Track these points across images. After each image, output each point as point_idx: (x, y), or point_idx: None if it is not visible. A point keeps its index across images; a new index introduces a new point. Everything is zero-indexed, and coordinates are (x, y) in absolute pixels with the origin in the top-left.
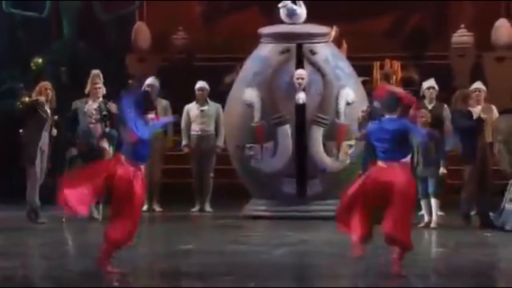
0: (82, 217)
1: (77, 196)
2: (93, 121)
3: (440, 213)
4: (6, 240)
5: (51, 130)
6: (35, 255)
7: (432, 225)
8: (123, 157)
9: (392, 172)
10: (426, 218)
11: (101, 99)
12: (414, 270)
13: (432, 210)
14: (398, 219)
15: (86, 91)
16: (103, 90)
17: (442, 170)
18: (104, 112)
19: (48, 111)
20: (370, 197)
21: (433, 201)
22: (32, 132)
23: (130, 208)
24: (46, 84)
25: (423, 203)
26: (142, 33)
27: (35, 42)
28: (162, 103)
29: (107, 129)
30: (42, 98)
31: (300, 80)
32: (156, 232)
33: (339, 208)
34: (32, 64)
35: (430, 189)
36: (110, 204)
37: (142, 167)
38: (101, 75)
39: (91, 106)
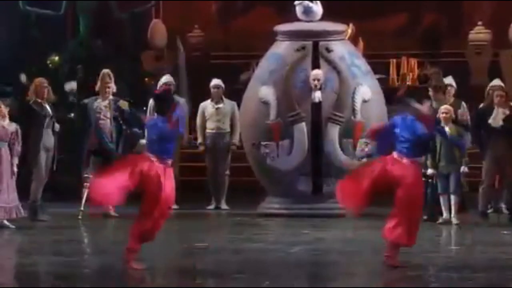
0: (105, 209)
1: (106, 189)
2: (103, 117)
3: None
4: (22, 238)
5: (53, 127)
6: (50, 252)
7: (454, 221)
8: (151, 155)
9: (404, 168)
10: (444, 215)
11: (111, 97)
12: (429, 268)
13: (450, 207)
14: (403, 223)
15: (97, 88)
16: (113, 89)
17: (463, 168)
18: (115, 113)
19: (48, 108)
20: (378, 185)
21: (454, 198)
22: (32, 132)
23: (155, 206)
24: (41, 81)
25: (442, 199)
26: (158, 31)
27: (51, 40)
28: (178, 100)
29: (126, 128)
30: (37, 98)
31: (316, 82)
32: (171, 230)
33: (343, 182)
34: (48, 62)
35: (452, 186)
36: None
37: (170, 162)
38: (111, 74)
39: (101, 103)
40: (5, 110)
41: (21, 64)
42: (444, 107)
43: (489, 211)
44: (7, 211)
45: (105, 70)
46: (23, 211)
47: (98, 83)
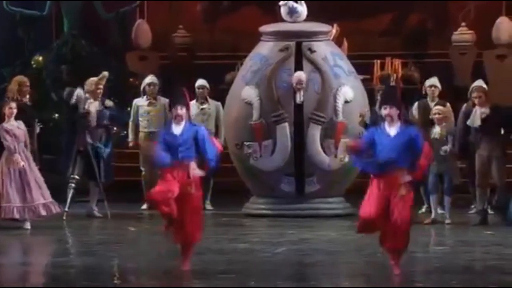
0: None
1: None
2: (91, 119)
3: (440, 211)
4: (8, 238)
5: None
6: (36, 253)
7: (447, 221)
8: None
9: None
10: (432, 214)
11: (99, 98)
12: (413, 268)
13: (434, 206)
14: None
15: (87, 86)
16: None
17: (447, 148)
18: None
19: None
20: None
21: (448, 199)
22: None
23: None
24: (25, 80)
25: (432, 198)
26: (143, 31)
27: (36, 40)
28: (162, 101)
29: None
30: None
31: (299, 86)
32: (156, 230)
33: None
34: (32, 62)
35: (446, 186)
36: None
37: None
38: (106, 77)
39: (90, 105)
40: (13, 111)
41: (7, 64)
42: (437, 108)
43: (472, 211)
44: (34, 210)
45: (105, 73)
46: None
47: (91, 85)
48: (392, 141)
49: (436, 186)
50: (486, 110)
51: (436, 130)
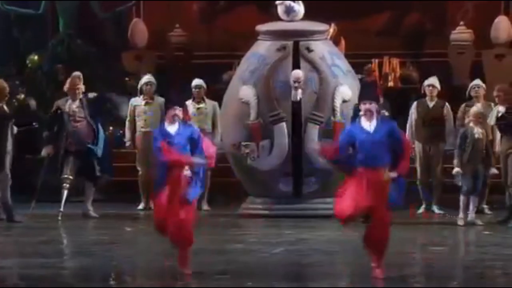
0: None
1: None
2: (78, 118)
3: (438, 211)
4: (2, 239)
5: (12, 129)
6: (30, 253)
7: (473, 220)
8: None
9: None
10: (462, 215)
11: (80, 96)
12: (412, 269)
13: (464, 208)
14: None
15: (65, 89)
16: (82, 90)
17: (493, 170)
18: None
19: (7, 110)
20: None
21: (475, 199)
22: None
23: None
24: (4, 85)
25: (462, 200)
26: (139, 30)
27: (31, 39)
28: (159, 100)
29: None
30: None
31: (297, 84)
32: (153, 231)
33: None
34: (28, 62)
35: (478, 187)
36: None
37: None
38: (81, 77)
39: (72, 105)
40: None
41: (2, 64)
42: (476, 111)
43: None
44: None
45: (76, 73)
46: None
47: (67, 85)
48: (372, 137)
49: (471, 189)
50: (503, 109)
51: (478, 130)
